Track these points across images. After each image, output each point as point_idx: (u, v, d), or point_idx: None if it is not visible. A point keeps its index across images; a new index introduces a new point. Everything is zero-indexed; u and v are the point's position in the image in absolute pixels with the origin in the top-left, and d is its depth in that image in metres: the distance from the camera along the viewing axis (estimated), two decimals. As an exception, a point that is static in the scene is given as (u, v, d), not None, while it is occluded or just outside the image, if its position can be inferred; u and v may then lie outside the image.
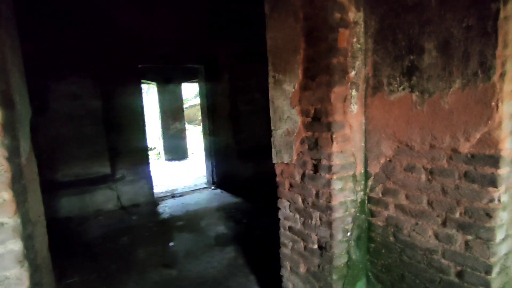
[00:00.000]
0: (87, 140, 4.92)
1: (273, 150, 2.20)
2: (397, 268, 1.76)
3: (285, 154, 2.08)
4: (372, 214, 1.87)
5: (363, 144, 1.85)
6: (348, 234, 1.85)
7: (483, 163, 1.36)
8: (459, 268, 1.49)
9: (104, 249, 3.75)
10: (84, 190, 4.96)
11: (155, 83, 9.24)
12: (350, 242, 1.86)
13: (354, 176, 1.84)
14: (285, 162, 2.10)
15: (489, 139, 1.33)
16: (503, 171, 1.33)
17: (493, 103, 1.30)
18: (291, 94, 1.99)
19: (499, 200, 1.34)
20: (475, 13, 1.32)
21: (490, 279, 1.39)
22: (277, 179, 2.21)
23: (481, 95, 1.34)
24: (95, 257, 3.53)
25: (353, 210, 1.85)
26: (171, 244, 3.77)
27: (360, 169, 1.86)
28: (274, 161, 2.21)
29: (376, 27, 1.74)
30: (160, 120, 9.57)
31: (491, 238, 1.36)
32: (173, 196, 5.87)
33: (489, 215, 1.36)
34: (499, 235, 1.37)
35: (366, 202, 1.90)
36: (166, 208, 5.21)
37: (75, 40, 4.61)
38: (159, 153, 9.91)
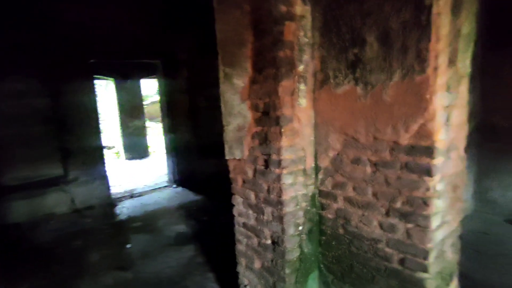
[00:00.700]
0: (36, 140, 4.52)
1: (225, 146, 2.12)
2: (346, 258, 1.78)
3: (237, 150, 2.02)
4: (323, 207, 1.87)
5: (312, 138, 1.83)
6: (300, 228, 1.83)
7: (420, 154, 1.39)
8: (401, 256, 1.52)
9: (56, 254, 3.48)
10: (34, 194, 4.56)
11: (112, 79, 8.74)
12: (302, 236, 1.85)
13: (304, 170, 1.82)
14: (237, 158, 2.03)
15: (425, 131, 1.36)
16: (437, 161, 1.36)
17: (427, 96, 1.32)
18: (240, 88, 1.92)
19: (434, 189, 1.38)
20: (411, 6, 1.34)
21: (428, 264, 1.43)
22: (230, 175, 2.14)
23: (418, 88, 1.36)
24: (46, 263, 3.26)
25: (304, 204, 1.84)
26: (127, 246, 3.58)
27: (310, 163, 1.84)
28: (226, 157, 2.13)
29: (321, 20, 1.71)
30: (119, 117, 9.09)
31: (428, 225, 1.40)
32: (132, 196, 5.60)
33: (426, 204, 1.39)
34: (435, 222, 1.41)
35: (317, 195, 1.89)
36: (123, 209, 4.95)
37: (18, 35, 4.19)
38: (119, 152, 9.43)
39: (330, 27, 1.67)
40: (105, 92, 10.45)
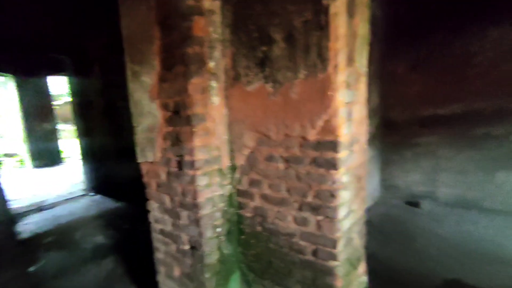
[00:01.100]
0: None
1: (136, 148, 1.93)
2: (265, 255, 1.77)
3: (149, 152, 1.85)
4: (241, 206, 1.83)
5: (226, 136, 1.78)
6: (218, 229, 1.76)
7: (326, 149, 1.44)
8: (313, 247, 1.56)
9: None
10: None
11: (11, 75, 7.48)
12: (220, 237, 1.78)
13: (220, 170, 1.75)
14: (150, 160, 1.86)
15: (329, 126, 1.41)
16: (342, 154, 1.43)
17: (329, 93, 1.37)
18: (150, 87, 1.76)
19: (340, 181, 1.44)
20: (311, 7, 1.36)
21: (337, 252, 1.49)
22: (144, 179, 1.96)
23: (321, 85, 1.39)
24: None
25: (221, 205, 1.77)
26: (30, 269, 3.07)
27: (226, 162, 1.78)
28: (138, 161, 1.95)
29: (231, 17, 1.66)
30: (22, 120, 7.83)
31: (336, 216, 1.46)
32: (41, 209, 4.87)
33: (333, 196, 1.45)
34: (342, 212, 1.48)
35: (235, 195, 1.84)
36: (30, 224, 4.27)
37: None
38: (23, 159, 8.14)
39: (239, 24, 1.63)
40: (4, 91, 8.92)
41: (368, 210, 3.67)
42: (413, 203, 3.82)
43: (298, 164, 1.55)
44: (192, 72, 1.57)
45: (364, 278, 1.88)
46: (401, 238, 2.95)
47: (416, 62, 3.69)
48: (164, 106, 1.71)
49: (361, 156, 1.67)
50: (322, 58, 1.37)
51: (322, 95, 1.39)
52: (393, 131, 4.04)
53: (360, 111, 1.62)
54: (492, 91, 3.18)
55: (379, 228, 3.17)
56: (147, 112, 1.80)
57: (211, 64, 1.66)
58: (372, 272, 2.10)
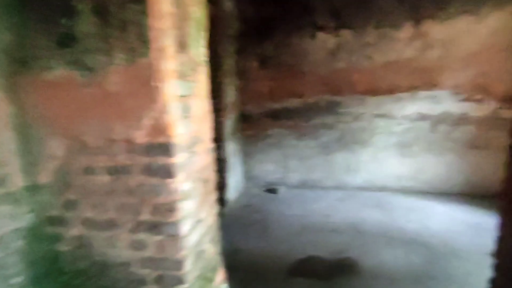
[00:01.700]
0: None
1: None
2: (96, 295, 1.34)
3: None
4: (55, 238, 1.33)
5: (15, 145, 1.23)
6: (16, 280, 1.21)
7: (159, 153, 1.14)
8: (156, 274, 1.26)
9: None
10: None
11: None
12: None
13: (9, 194, 1.20)
14: None
15: (159, 125, 1.12)
16: (178, 158, 1.17)
17: (154, 83, 1.07)
18: None
19: (180, 191, 1.18)
20: (121, -31, 1.02)
21: (184, 274, 1.24)
22: None
23: (144, 74, 1.08)
24: None
25: (19, 243, 1.22)
26: None
27: (19, 182, 1.24)
28: None
29: (6, -28, 1.12)
30: None
31: (178, 232, 1.20)
32: None
33: (172, 209, 1.18)
34: (186, 226, 1.23)
35: (44, 224, 1.32)
36: None
37: None
38: None
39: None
40: None
41: (234, 203, 3.64)
42: (272, 190, 4.04)
43: (126, 174, 1.19)
44: None
45: (224, 286, 1.72)
46: (260, 226, 3.01)
47: (264, 59, 3.85)
48: None
49: (206, 157, 1.46)
50: (142, 39, 1.06)
51: (146, 86, 1.08)
52: (250, 124, 4.14)
53: (201, 106, 1.40)
54: (322, 87, 3.63)
55: (242, 219, 3.15)
56: None
57: (-23, 40, 1.09)
58: (234, 268, 1.99)
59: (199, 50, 1.37)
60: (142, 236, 1.23)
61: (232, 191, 3.69)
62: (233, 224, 3.06)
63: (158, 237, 1.21)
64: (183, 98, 1.21)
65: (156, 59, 1.06)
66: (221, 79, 3.32)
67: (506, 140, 2.98)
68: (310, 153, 3.90)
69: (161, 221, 1.19)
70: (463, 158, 3.22)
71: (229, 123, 3.54)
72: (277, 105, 3.93)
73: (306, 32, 3.53)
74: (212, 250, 1.55)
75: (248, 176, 4.33)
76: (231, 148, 3.68)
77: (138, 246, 1.24)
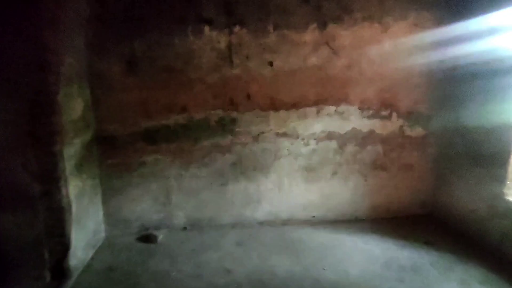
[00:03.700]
0: None
1: None
2: None
3: None
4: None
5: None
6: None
7: None
8: None
9: None
10: None
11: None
12: None
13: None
14: None
15: None
16: None
17: None
18: None
19: None
20: None
21: None
22: None
23: None
24: None
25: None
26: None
27: None
28: None
29: None
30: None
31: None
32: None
33: None
34: None
35: None
36: None
37: None
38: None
39: None
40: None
41: (87, 269, 2.26)
42: (148, 238, 2.81)
43: None
44: None
45: None
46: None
47: (134, 60, 2.67)
48: None
49: None
50: None
51: None
52: (114, 150, 2.82)
53: None
54: (213, 100, 2.73)
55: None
56: None
57: None
58: None
59: None
60: None
61: (82, 252, 2.31)
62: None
63: None
64: None
65: None
66: (54, 87, 1.98)
67: (409, 159, 2.69)
68: (199, 184, 2.90)
69: None
70: (367, 181, 2.86)
71: (71, 151, 2.19)
72: (153, 123, 2.79)
73: (190, 27, 2.57)
74: None
75: (114, 221, 2.96)
76: (77, 189, 2.30)
77: None
